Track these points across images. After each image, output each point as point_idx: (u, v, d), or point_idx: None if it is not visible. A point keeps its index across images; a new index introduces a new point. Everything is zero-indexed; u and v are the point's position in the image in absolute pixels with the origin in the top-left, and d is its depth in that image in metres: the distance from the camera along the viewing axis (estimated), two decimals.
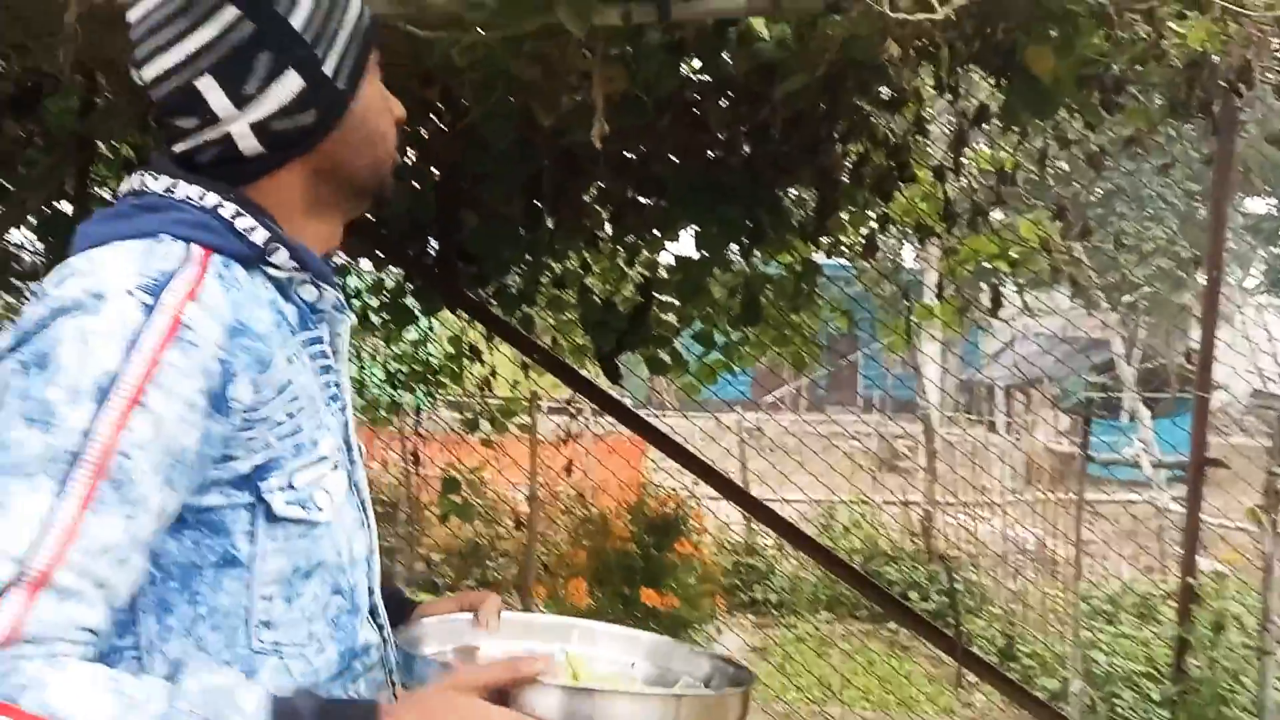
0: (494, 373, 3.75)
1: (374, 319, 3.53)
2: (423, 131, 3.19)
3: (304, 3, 1.01)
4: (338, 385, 1.08)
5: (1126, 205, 12.13)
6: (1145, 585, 5.76)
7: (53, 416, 0.83)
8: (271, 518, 0.96)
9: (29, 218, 3.30)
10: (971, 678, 4.88)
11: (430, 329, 3.76)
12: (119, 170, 3.43)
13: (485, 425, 3.92)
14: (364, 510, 1.11)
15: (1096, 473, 6.83)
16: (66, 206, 3.31)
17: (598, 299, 3.22)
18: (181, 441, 0.88)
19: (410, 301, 3.25)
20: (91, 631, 0.85)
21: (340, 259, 1.80)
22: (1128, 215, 12.14)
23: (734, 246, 3.20)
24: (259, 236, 0.98)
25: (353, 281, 3.63)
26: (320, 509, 0.99)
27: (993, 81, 2.79)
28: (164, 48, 0.97)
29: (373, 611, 1.10)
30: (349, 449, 1.09)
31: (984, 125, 3.02)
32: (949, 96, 2.89)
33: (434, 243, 3.23)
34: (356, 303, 3.61)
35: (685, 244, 3.27)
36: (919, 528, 7.06)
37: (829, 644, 5.63)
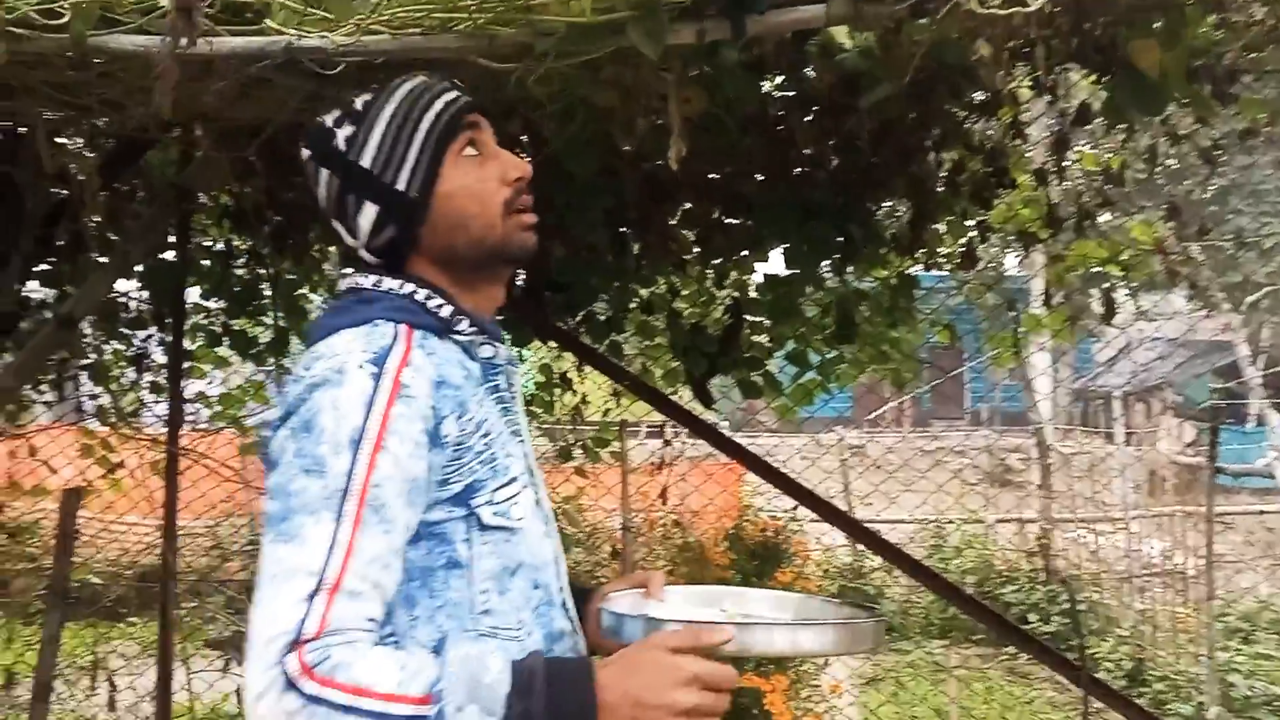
0: (585, 400, 3.72)
1: None
2: None
3: (371, 141, 1.29)
4: (516, 423, 1.35)
5: (1243, 201, 11.52)
6: None
7: (323, 466, 1.12)
8: (482, 526, 1.22)
9: (136, 268, 3.42)
10: (1098, 704, 4.62)
11: (521, 359, 3.75)
12: (218, 218, 3.52)
13: (578, 453, 3.90)
14: (547, 522, 1.35)
15: (1226, 483, 6.45)
16: (169, 255, 3.42)
17: (686, 323, 3.16)
18: (414, 471, 1.16)
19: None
20: (374, 621, 1.12)
21: None
22: (1245, 211, 11.52)
23: (826, 263, 3.11)
24: (445, 311, 1.28)
25: None
26: (517, 519, 1.26)
27: (1094, 79, 2.66)
28: (316, 199, 1.33)
29: (564, 604, 1.33)
30: (530, 473, 1.34)
31: (1087, 125, 2.88)
32: (1048, 97, 2.76)
33: (522, 275, 3.22)
34: None
35: (775, 263, 3.20)
36: (1036, 546, 6.75)
37: (944, 671, 5.40)
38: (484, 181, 1.32)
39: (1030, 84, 2.77)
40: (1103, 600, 5.94)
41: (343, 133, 1.30)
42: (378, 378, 1.16)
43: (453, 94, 1.37)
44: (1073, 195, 3.23)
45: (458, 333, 1.28)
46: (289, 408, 1.17)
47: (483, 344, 1.32)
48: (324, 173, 1.31)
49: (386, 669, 1.07)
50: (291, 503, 1.12)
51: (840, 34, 2.36)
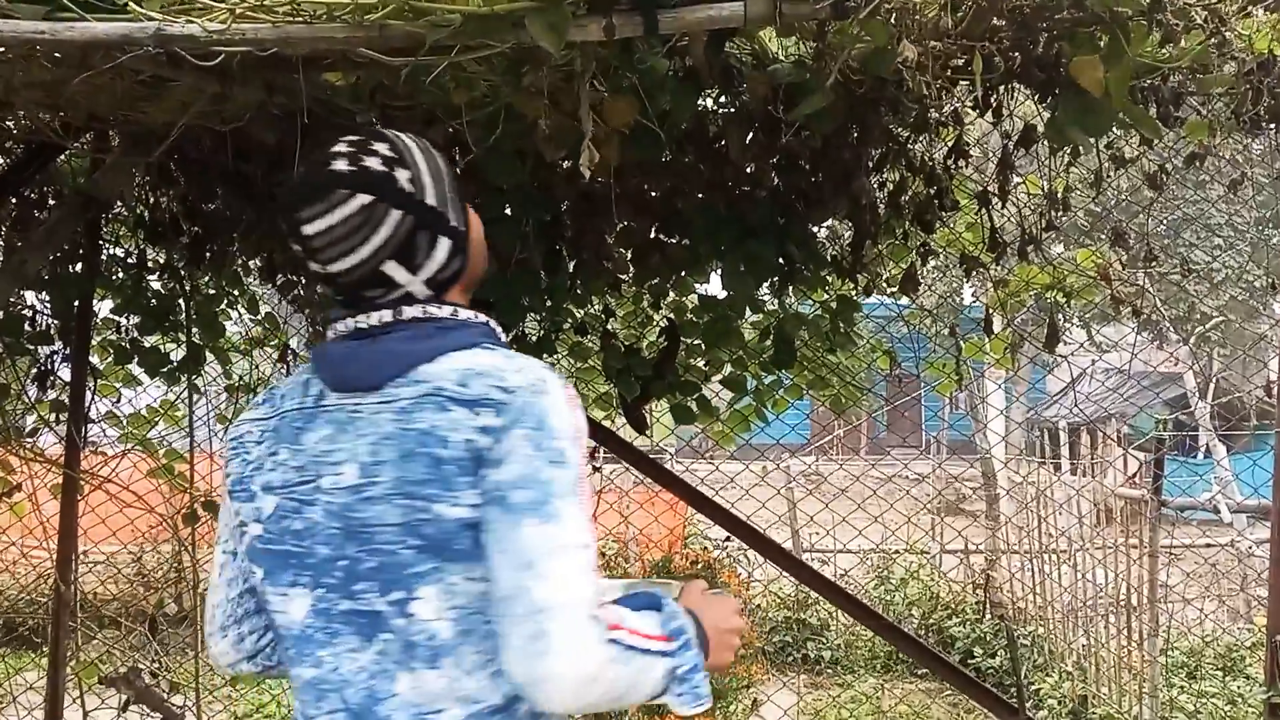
0: None
1: None
2: None
3: (428, 184, 1.41)
4: None
5: (1194, 233, 11.67)
6: (1229, 637, 5.34)
7: (564, 458, 1.28)
8: None
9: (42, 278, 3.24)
10: None
11: None
12: (133, 228, 3.35)
13: None
14: None
15: (1172, 515, 6.43)
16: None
17: (621, 345, 3.04)
18: None
19: None
20: None
21: None
22: (1195, 244, 11.66)
23: (765, 285, 3.01)
24: (503, 337, 1.47)
25: None
26: None
27: (1038, 99, 2.59)
28: (349, 251, 1.36)
29: None
30: None
31: (1030, 147, 2.81)
32: (990, 118, 2.69)
33: None
34: None
35: (716, 285, 3.10)
36: (980, 578, 6.68)
37: (884, 709, 5.29)
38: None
39: (973, 104, 2.70)
40: (1048, 635, 5.87)
41: (403, 175, 1.39)
42: (564, 386, 1.35)
43: None
44: (1017, 219, 3.16)
45: None
46: (514, 415, 1.28)
47: None
48: (395, 213, 1.37)
49: (641, 618, 1.33)
50: (548, 490, 1.26)
51: (774, 45, 2.27)
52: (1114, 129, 2.51)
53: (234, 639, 1.49)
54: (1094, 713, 4.93)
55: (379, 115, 2.36)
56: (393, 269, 1.38)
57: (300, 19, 1.50)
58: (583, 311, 3.17)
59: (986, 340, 3.15)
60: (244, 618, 1.48)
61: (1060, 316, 3.36)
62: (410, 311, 1.38)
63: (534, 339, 3.09)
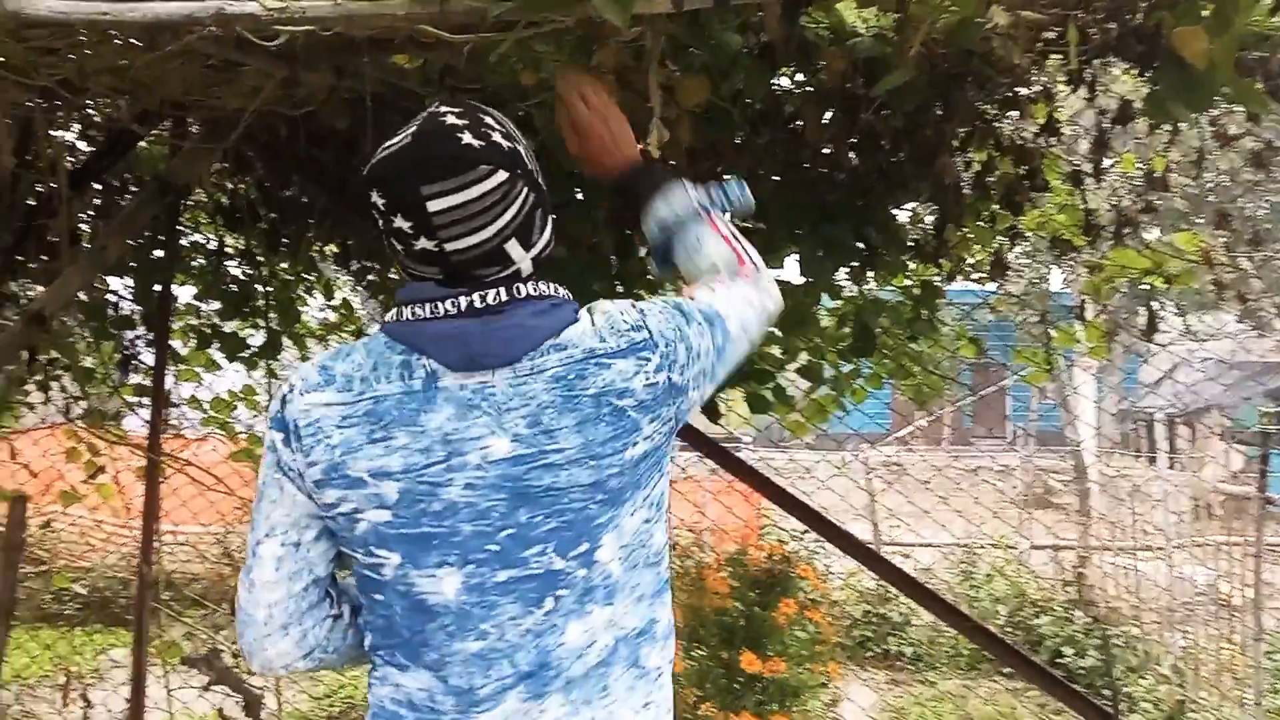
0: None
1: None
2: None
3: (535, 160, 1.41)
4: None
5: None
6: None
7: (708, 322, 1.50)
8: None
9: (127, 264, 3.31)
10: None
11: None
12: (212, 215, 3.40)
13: None
14: None
15: (1278, 512, 6.11)
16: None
17: None
18: None
19: None
20: None
21: None
22: None
23: (843, 270, 2.91)
24: None
25: None
26: None
27: (1136, 73, 2.44)
28: (478, 228, 1.33)
29: None
30: None
31: (1129, 125, 2.66)
32: (1084, 93, 2.55)
33: None
34: None
35: (790, 270, 3.01)
36: (1071, 575, 6.43)
37: (969, 708, 5.13)
38: None
39: (1065, 79, 2.56)
40: (1143, 635, 5.63)
41: (522, 151, 1.39)
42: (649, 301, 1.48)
43: None
44: (1113, 201, 3.00)
45: None
46: (664, 339, 1.40)
47: None
48: (524, 191, 1.36)
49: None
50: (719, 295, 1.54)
51: (851, 17, 2.18)
52: (1218, 104, 2.37)
53: (297, 637, 1.44)
54: (1191, 718, 4.71)
55: (447, 98, 2.34)
56: (512, 247, 1.36)
57: None
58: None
59: (1079, 328, 3.00)
60: (308, 611, 1.43)
61: (1158, 303, 3.19)
62: (525, 289, 1.37)
63: None
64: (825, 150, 2.83)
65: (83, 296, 3.13)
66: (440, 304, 1.34)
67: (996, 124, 2.75)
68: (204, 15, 1.46)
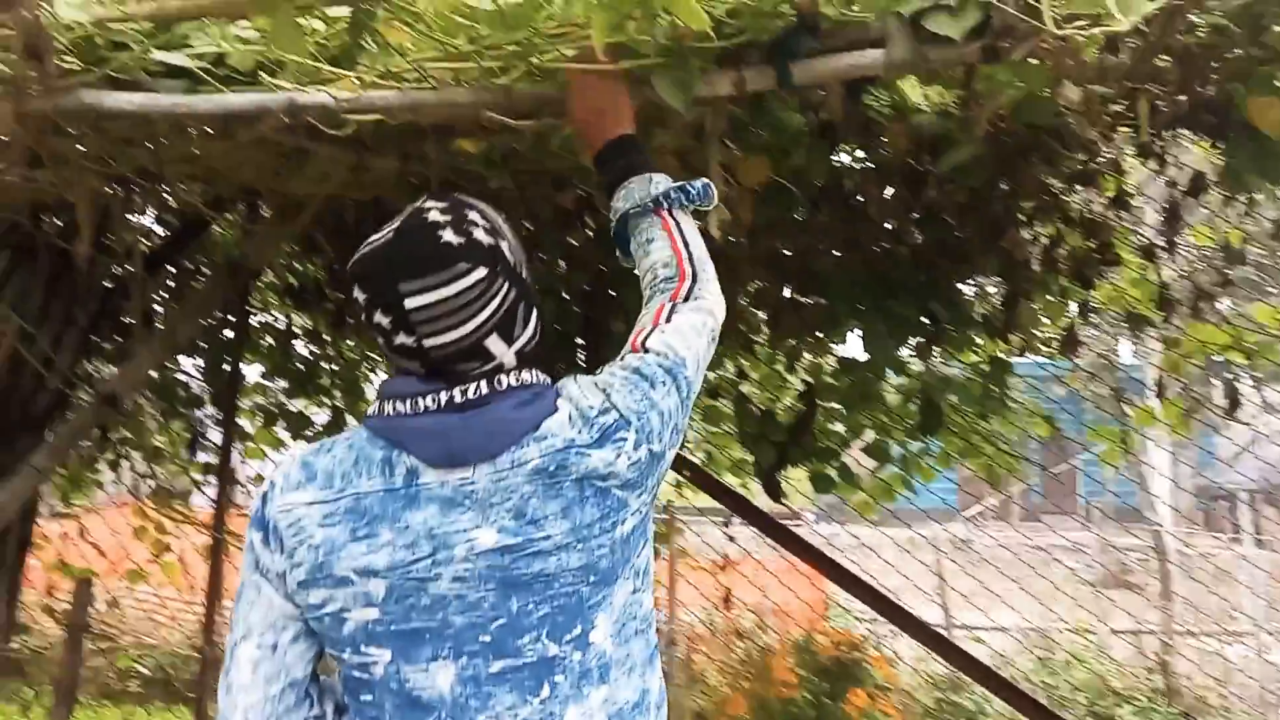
0: None
1: None
2: (572, 240, 3.07)
3: (519, 254, 1.42)
4: None
5: None
6: None
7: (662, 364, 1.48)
8: None
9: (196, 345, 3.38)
10: None
11: None
12: (282, 297, 3.47)
13: None
14: None
15: None
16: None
17: (756, 409, 2.93)
18: None
19: None
20: None
21: None
22: None
23: (908, 346, 2.86)
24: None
25: None
26: None
27: (1208, 144, 2.39)
28: (457, 325, 1.33)
29: None
30: None
31: (1202, 196, 2.60)
32: (1153, 165, 2.50)
33: (582, 354, 3.06)
34: None
35: (854, 346, 2.97)
36: (1154, 661, 6.13)
37: None
38: None
39: (1135, 151, 2.51)
40: None
41: (504, 246, 1.38)
42: (604, 371, 1.46)
43: None
44: (1188, 275, 2.92)
45: None
46: (632, 411, 1.39)
47: None
48: (504, 287, 1.37)
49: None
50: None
51: (914, 94, 2.17)
52: None
53: None
54: None
55: (511, 180, 2.37)
56: (493, 342, 1.36)
57: (428, 85, 1.49)
58: (716, 374, 3.08)
59: (1157, 405, 2.90)
60: (285, 715, 1.38)
61: (1235, 377, 3.07)
62: (506, 380, 1.36)
63: None
64: (888, 225, 2.81)
65: (154, 376, 3.19)
66: (420, 399, 1.34)
67: (1064, 197, 2.70)
68: (276, 106, 1.49)
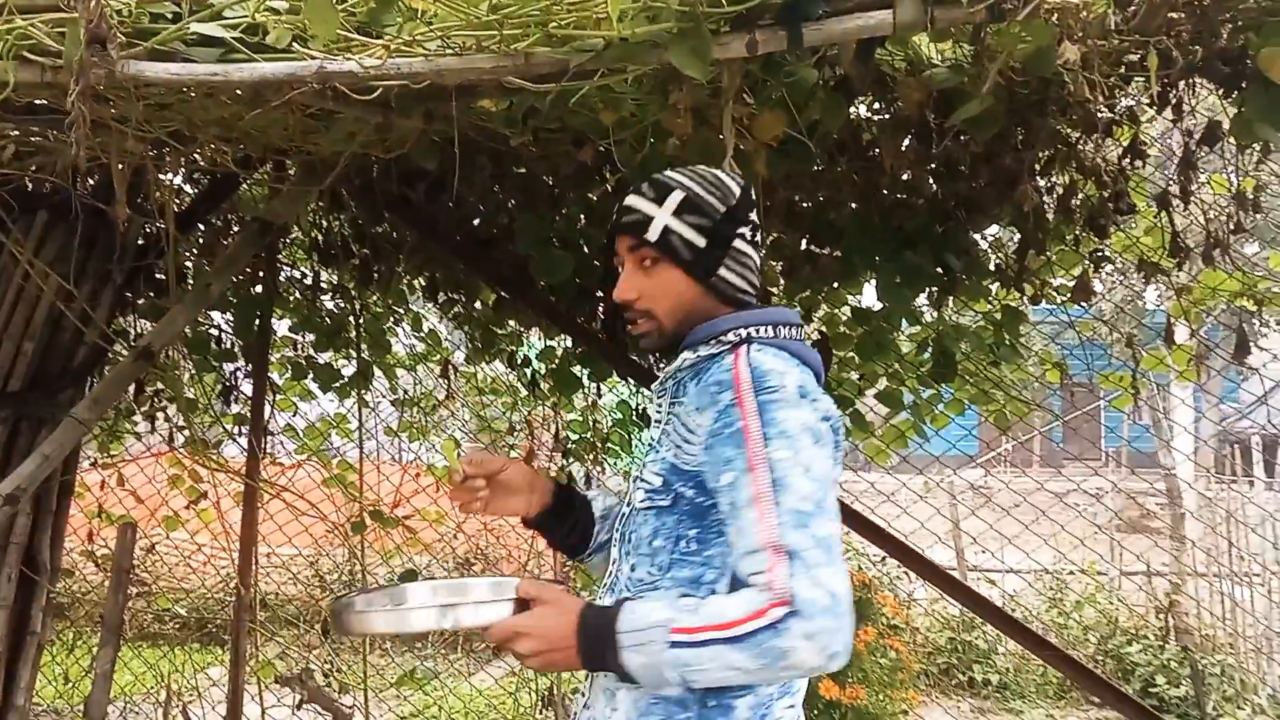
0: None
1: (543, 386, 3.46)
2: (591, 195, 3.11)
3: None
4: (652, 437, 1.67)
5: None
6: None
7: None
8: None
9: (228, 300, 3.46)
10: None
11: (598, 395, 3.65)
12: (308, 251, 3.54)
13: None
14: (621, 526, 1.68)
15: None
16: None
17: None
18: None
19: (578, 369, 3.15)
20: None
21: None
22: None
23: (922, 296, 2.91)
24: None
25: (524, 350, 3.58)
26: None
27: (1222, 93, 2.40)
28: None
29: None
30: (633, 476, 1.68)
31: (1215, 145, 2.61)
32: (1169, 115, 2.51)
33: (601, 307, 3.12)
34: (527, 371, 3.55)
35: (869, 296, 3.01)
36: (1164, 601, 6.22)
37: None
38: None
39: (1149, 101, 2.53)
40: (1240, 665, 5.41)
41: None
42: None
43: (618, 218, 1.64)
44: (1201, 223, 2.94)
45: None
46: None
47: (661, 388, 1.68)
48: None
49: None
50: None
51: (930, 50, 2.19)
52: None
53: None
54: None
55: (532, 137, 2.41)
56: None
57: (450, 52, 1.54)
58: None
59: (1168, 351, 2.94)
60: None
61: (1256, 323, 3.11)
62: None
63: None
64: (903, 178, 2.84)
65: (187, 331, 3.28)
66: (802, 329, 1.59)
67: (1079, 147, 2.72)
68: (306, 74, 1.55)
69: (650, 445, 1.66)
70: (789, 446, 1.38)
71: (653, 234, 1.56)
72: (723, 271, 1.59)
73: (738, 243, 1.59)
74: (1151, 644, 5.72)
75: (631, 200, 1.61)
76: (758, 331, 1.55)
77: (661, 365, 3.12)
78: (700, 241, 1.57)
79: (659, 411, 1.67)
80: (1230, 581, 5.83)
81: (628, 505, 1.65)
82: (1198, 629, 5.76)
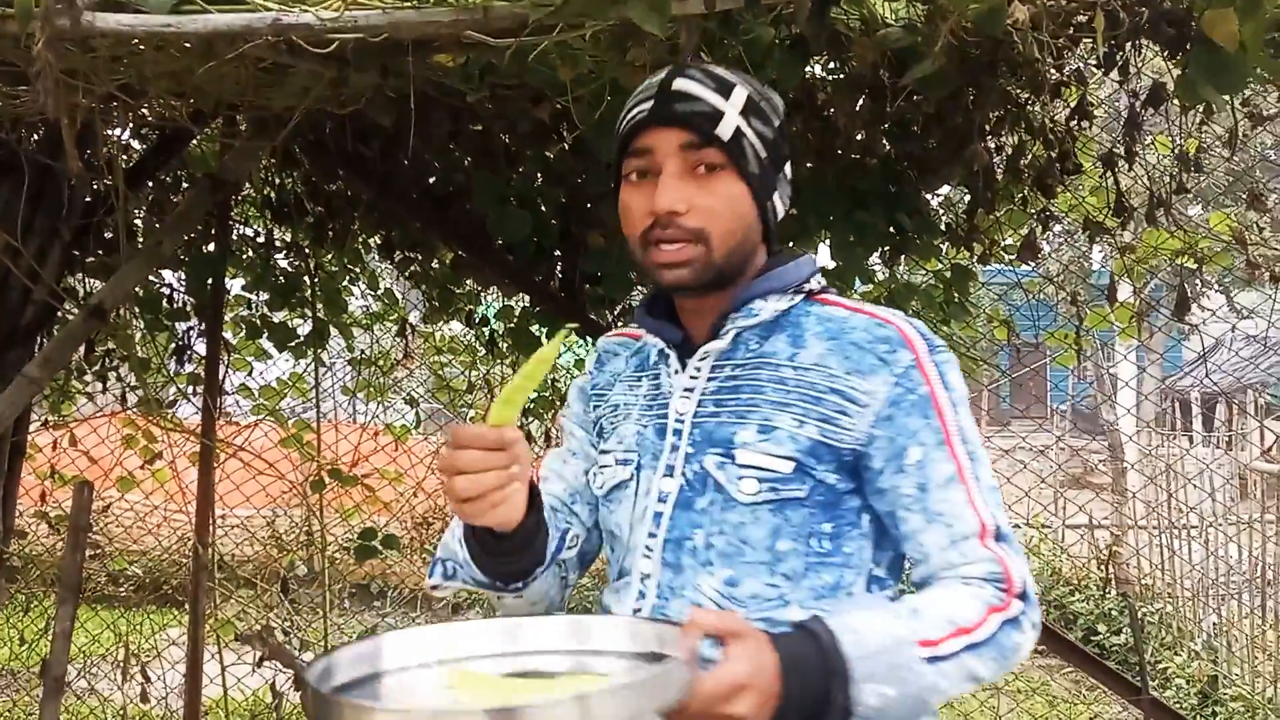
0: None
1: (501, 346, 3.47)
2: (548, 153, 3.11)
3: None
4: (658, 411, 1.35)
5: None
6: None
7: None
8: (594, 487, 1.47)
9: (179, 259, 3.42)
10: None
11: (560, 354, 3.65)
12: (261, 209, 3.51)
13: None
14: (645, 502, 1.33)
15: None
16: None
17: None
18: (568, 425, 1.54)
19: (537, 328, 3.16)
20: None
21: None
22: None
23: (875, 256, 2.96)
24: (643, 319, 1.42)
25: (482, 310, 3.58)
26: (598, 486, 1.40)
27: (1166, 55, 2.46)
28: None
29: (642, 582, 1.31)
30: (645, 453, 1.33)
31: (1159, 106, 2.68)
32: (1116, 76, 2.57)
33: (558, 265, 3.13)
34: (485, 330, 3.55)
35: (824, 256, 3.05)
36: (1105, 552, 6.44)
37: (1002, 684, 5.16)
38: (629, 209, 1.31)
39: (1097, 63, 2.59)
40: (1177, 612, 5.63)
41: None
42: None
43: (642, 103, 1.29)
44: (1146, 182, 3.02)
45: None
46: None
47: (653, 346, 1.40)
48: None
49: None
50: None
51: (882, 8, 2.22)
52: (1250, 85, 2.37)
53: None
54: (1224, 693, 4.72)
55: (488, 95, 2.41)
56: None
57: (408, 5, 1.54)
58: None
59: (1110, 309, 3.02)
60: None
61: (1197, 283, 3.20)
62: None
63: None
64: (857, 137, 2.88)
65: (139, 290, 3.24)
66: None
67: (1028, 108, 2.78)
68: (261, 26, 1.54)
69: (734, 420, 1.25)
70: (970, 416, 1.22)
71: (725, 130, 1.22)
72: (775, 199, 1.32)
73: (787, 167, 1.33)
74: (1093, 593, 5.93)
75: (685, 85, 1.24)
76: (817, 282, 1.35)
77: (620, 323, 3.16)
78: (764, 154, 1.26)
79: (695, 378, 1.31)
80: (1169, 533, 6.05)
81: (665, 501, 1.27)
82: (1137, 578, 5.98)
